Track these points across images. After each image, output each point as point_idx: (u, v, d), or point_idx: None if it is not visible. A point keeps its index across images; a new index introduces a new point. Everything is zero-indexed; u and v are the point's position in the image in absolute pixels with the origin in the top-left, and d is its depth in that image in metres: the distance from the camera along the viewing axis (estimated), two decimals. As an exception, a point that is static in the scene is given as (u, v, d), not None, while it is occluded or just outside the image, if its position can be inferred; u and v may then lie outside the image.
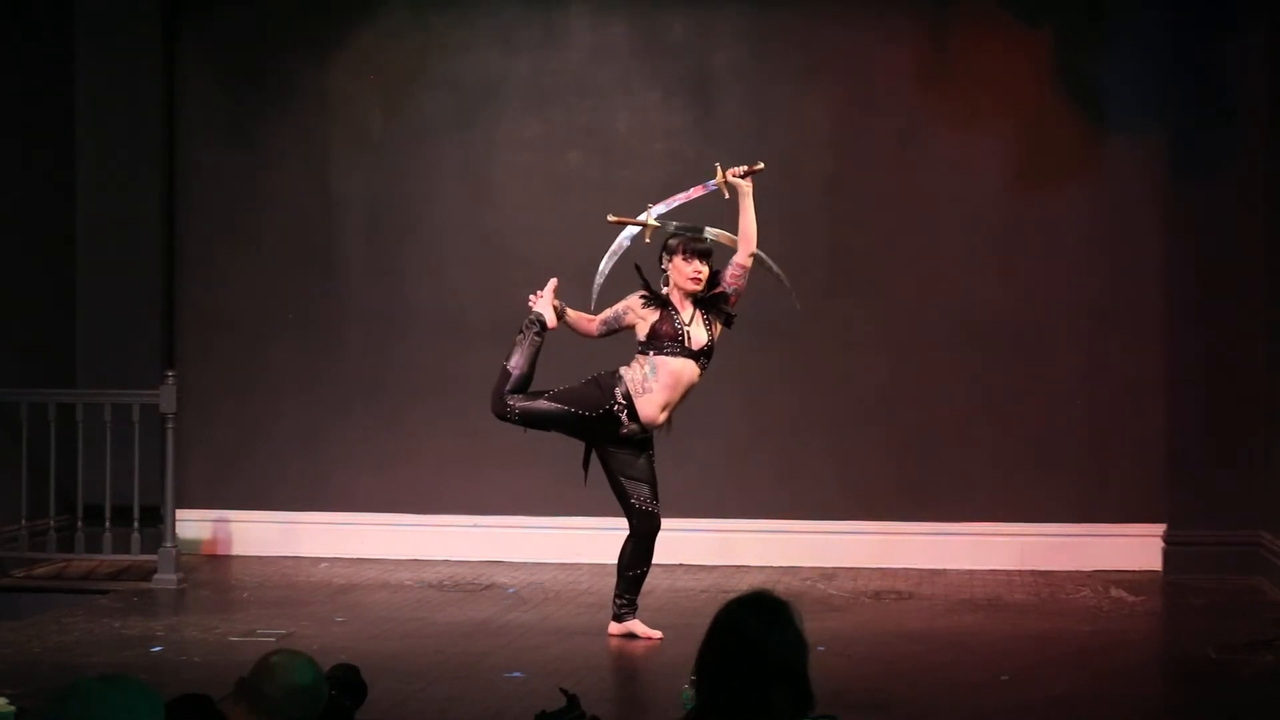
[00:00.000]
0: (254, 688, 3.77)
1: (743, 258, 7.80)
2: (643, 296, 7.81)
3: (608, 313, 7.93)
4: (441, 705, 6.67)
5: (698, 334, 7.79)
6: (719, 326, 7.87)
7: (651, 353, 7.77)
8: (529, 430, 7.96)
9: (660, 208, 8.12)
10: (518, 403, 7.84)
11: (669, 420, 7.85)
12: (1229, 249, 9.67)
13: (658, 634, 7.85)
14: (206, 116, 10.49)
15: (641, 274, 7.88)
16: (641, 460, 7.84)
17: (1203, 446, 9.66)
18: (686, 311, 7.80)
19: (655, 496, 7.85)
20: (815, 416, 10.11)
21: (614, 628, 7.93)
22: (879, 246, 10.08)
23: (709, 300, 7.82)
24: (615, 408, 7.75)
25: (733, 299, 7.83)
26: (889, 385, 10.04)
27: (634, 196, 9.24)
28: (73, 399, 9.64)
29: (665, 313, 7.77)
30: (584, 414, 7.78)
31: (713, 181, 7.95)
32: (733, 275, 7.81)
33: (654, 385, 7.74)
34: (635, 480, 7.82)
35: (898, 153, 10.09)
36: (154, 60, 10.35)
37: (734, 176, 7.83)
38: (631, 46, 10.30)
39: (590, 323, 7.99)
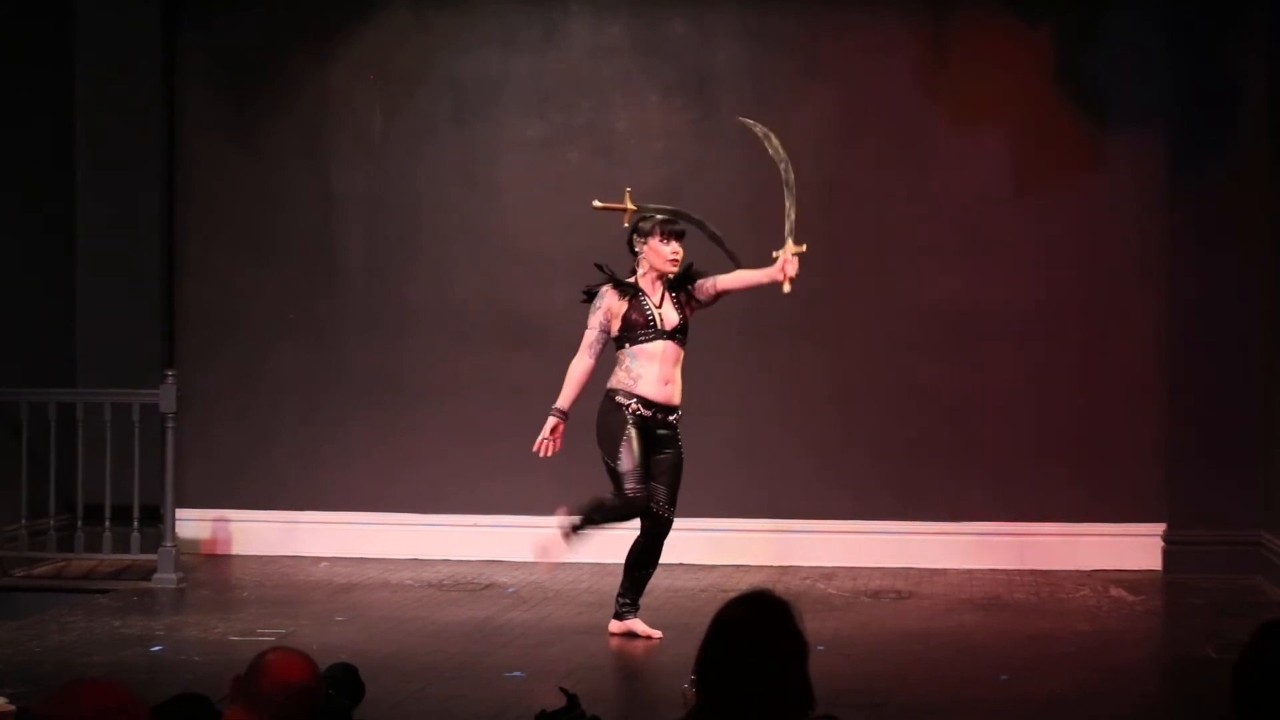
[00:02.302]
0: (250, 685, 3.76)
1: (724, 283, 7.87)
2: (615, 288, 7.82)
3: (592, 335, 7.87)
4: (441, 704, 6.67)
5: (669, 315, 7.84)
6: (691, 309, 7.91)
7: (627, 344, 7.81)
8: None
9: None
10: (637, 489, 7.75)
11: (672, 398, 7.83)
12: (1229, 248, 9.67)
13: (658, 633, 7.85)
14: (207, 116, 10.49)
15: (605, 269, 7.90)
16: (672, 461, 7.84)
17: (1202, 446, 9.66)
18: (656, 294, 7.85)
19: (671, 501, 7.85)
20: (813, 416, 10.10)
21: (614, 626, 7.94)
22: (879, 245, 10.07)
23: (678, 281, 7.88)
24: (632, 408, 7.76)
25: (691, 305, 7.89)
26: (888, 384, 10.04)
27: (635, 196, 9.23)
28: (73, 398, 9.64)
29: (634, 301, 7.81)
30: (631, 440, 7.73)
31: (773, 271, 7.87)
32: (705, 290, 7.88)
33: (641, 370, 7.78)
34: (656, 484, 7.82)
35: (897, 151, 10.08)
36: (154, 61, 10.33)
37: (789, 276, 7.83)
38: (631, 46, 10.30)
39: (587, 369, 7.89)
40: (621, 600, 7.94)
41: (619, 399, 7.78)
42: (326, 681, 4.22)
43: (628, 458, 7.73)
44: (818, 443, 10.07)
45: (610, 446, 7.77)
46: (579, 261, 8.93)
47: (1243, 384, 9.61)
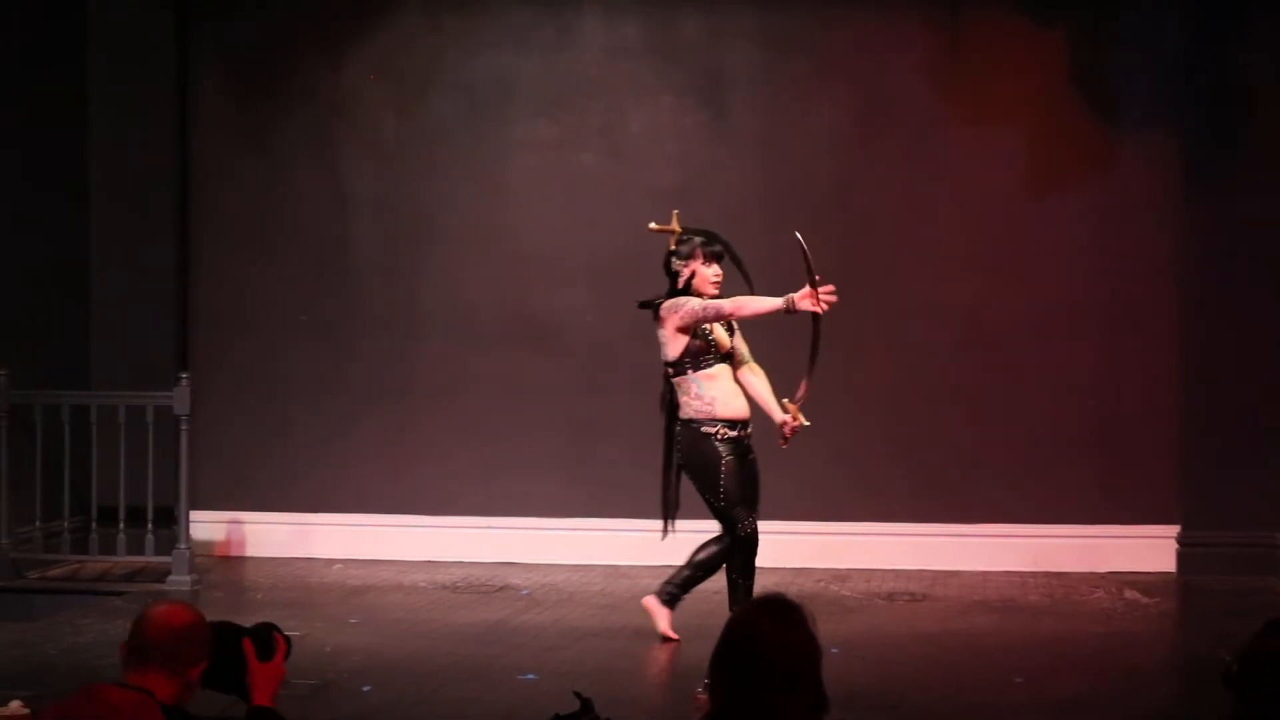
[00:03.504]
0: (139, 642, 3.66)
1: (740, 373, 7.75)
2: None
3: (712, 303, 7.64)
4: (455, 707, 6.68)
5: (722, 337, 7.80)
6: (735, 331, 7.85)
7: (689, 371, 7.70)
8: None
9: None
10: (748, 525, 7.65)
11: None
12: (1242, 249, 9.65)
13: (675, 635, 7.84)
14: (219, 118, 10.50)
15: (674, 281, 7.78)
16: (757, 476, 7.79)
17: (1216, 448, 9.64)
18: None
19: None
20: (827, 417, 10.03)
21: (648, 601, 7.88)
22: (892, 247, 10.07)
23: None
24: (720, 434, 7.69)
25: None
26: (902, 386, 10.03)
27: (646, 197, 9.25)
28: (87, 400, 9.65)
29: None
30: (732, 472, 7.64)
31: (777, 419, 7.77)
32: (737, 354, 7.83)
33: (714, 392, 7.68)
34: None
35: (910, 153, 10.07)
36: (167, 63, 10.35)
37: (785, 437, 7.77)
38: (644, 48, 10.30)
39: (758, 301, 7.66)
40: (669, 588, 7.86)
41: (704, 429, 7.66)
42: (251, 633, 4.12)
43: (732, 491, 7.62)
44: (831, 444, 10.02)
45: (709, 480, 7.65)
46: (590, 263, 8.95)
47: (1258, 385, 9.60)
